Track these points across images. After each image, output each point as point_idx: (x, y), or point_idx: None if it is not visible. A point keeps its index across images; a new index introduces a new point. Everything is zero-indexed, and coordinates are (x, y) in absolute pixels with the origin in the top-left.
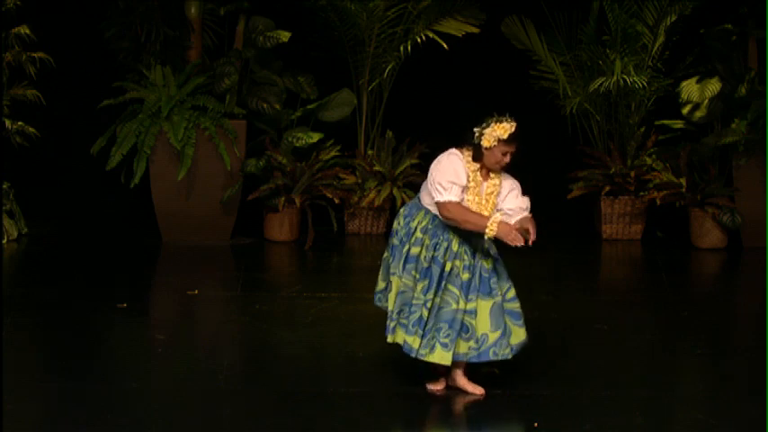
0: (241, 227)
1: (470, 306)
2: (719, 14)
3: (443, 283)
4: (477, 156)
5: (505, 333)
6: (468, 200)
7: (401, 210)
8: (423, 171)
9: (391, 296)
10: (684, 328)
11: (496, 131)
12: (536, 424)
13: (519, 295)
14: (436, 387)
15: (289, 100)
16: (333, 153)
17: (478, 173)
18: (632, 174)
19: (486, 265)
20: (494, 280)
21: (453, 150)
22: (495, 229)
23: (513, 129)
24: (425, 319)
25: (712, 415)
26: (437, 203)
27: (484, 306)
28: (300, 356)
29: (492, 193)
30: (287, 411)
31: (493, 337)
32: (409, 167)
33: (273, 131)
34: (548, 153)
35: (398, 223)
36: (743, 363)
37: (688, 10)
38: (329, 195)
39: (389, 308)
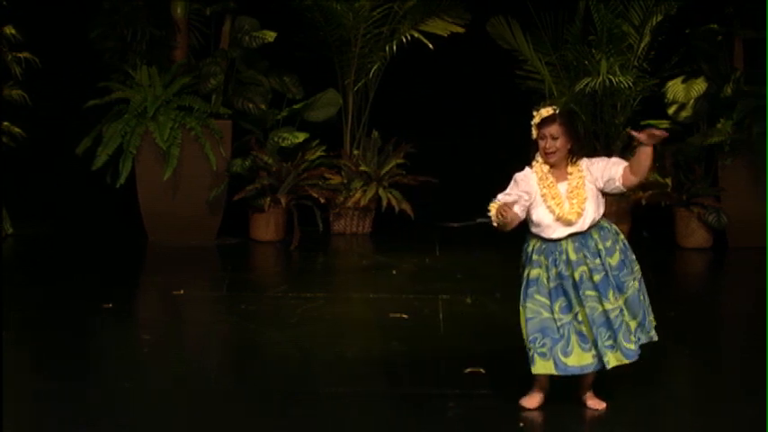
0: (227, 227)
1: (619, 303)
2: (705, 14)
3: (580, 291)
4: (535, 152)
5: (644, 318)
6: (549, 206)
7: (524, 245)
8: (408, 171)
9: (522, 326)
10: (671, 328)
11: (534, 119)
12: (522, 424)
13: (504, 296)
14: (532, 403)
15: (274, 100)
16: (318, 153)
17: (550, 174)
18: None
19: (612, 261)
20: (623, 273)
21: (526, 167)
22: (493, 212)
23: (546, 112)
24: (586, 332)
25: (699, 414)
26: None
27: (624, 302)
28: (287, 356)
29: (578, 186)
30: (274, 411)
31: (632, 325)
32: (395, 168)
33: (259, 131)
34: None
35: (522, 257)
36: (730, 362)
37: (674, 10)
38: (315, 195)
39: (524, 337)
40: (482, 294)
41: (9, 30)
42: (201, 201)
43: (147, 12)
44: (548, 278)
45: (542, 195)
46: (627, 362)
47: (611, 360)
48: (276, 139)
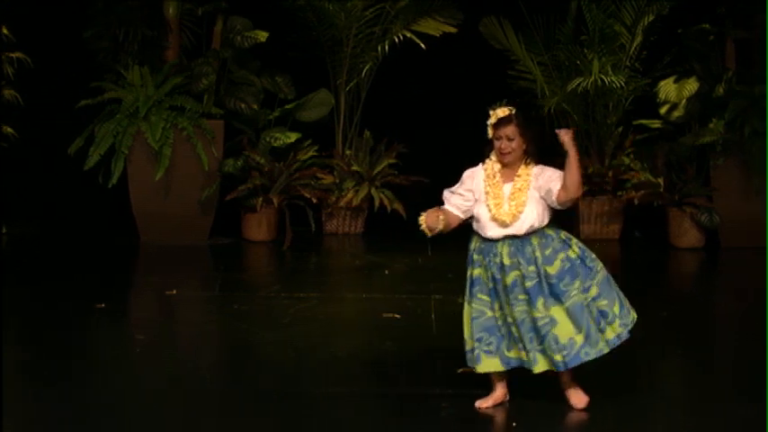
0: (219, 227)
1: (548, 313)
2: (697, 14)
3: (511, 296)
4: (489, 151)
5: (591, 333)
6: (488, 205)
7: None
8: (400, 171)
9: (465, 324)
10: (663, 328)
11: (490, 119)
12: (514, 424)
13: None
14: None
15: (266, 100)
16: (310, 153)
17: (499, 174)
18: (610, 173)
19: (551, 270)
20: (564, 282)
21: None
22: (422, 220)
23: (502, 113)
24: (518, 334)
25: (692, 414)
26: None
27: (560, 311)
28: (280, 356)
29: (521, 189)
30: (266, 411)
31: (580, 338)
32: (387, 167)
33: (251, 131)
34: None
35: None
36: (723, 362)
37: (665, 10)
38: (307, 195)
39: (465, 335)
40: None
41: (1, 30)
42: (194, 201)
43: (140, 12)
44: (487, 277)
45: (486, 193)
46: (556, 370)
47: (541, 364)
48: (268, 139)
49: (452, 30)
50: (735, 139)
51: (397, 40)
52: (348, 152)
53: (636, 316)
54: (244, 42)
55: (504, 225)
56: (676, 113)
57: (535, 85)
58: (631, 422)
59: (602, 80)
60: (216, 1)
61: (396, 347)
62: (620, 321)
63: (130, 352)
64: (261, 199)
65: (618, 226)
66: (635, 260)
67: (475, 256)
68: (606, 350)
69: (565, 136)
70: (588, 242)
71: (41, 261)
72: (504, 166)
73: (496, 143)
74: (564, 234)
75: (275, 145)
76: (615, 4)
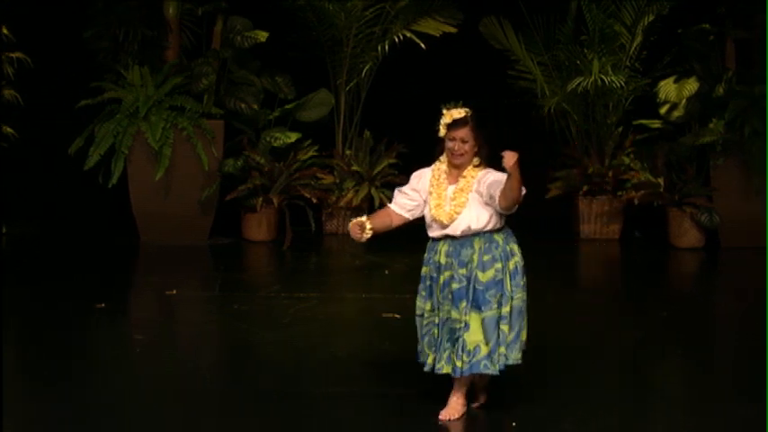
0: (219, 227)
1: (465, 318)
2: (697, 14)
3: (440, 296)
4: (441, 151)
5: (496, 349)
6: (430, 205)
7: None
8: (400, 171)
9: (415, 319)
10: (663, 328)
11: (444, 118)
12: (514, 423)
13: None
14: (450, 415)
15: (266, 100)
16: (311, 153)
17: (445, 174)
18: (610, 173)
19: (482, 277)
20: (490, 293)
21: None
22: (350, 230)
23: (457, 114)
24: (436, 335)
25: (692, 414)
26: None
27: (476, 318)
28: (279, 356)
29: (462, 190)
30: (266, 411)
31: (485, 349)
32: (387, 167)
33: (251, 131)
34: (525, 153)
35: None
36: (723, 362)
37: (665, 10)
38: (307, 195)
39: (418, 333)
40: None
41: (1, 30)
42: (194, 201)
43: (140, 12)
44: (429, 277)
45: (429, 193)
46: (454, 375)
47: (444, 367)
48: (268, 139)
49: (452, 30)
50: (735, 139)
51: (397, 40)
52: (348, 152)
53: (520, 359)
54: (244, 42)
55: (443, 225)
56: (676, 113)
57: (535, 85)
58: (631, 422)
59: (603, 80)
60: (216, 1)
61: (395, 347)
62: (516, 347)
63: (130, 352)
64: (261, 199)
65: (618, 226)
66: (635, 260)
67: (425, 255)
68: (493, 373)
69: (510, 160)
70: (588, 242)
71: (41, 261)
72: (454, 167)
73: (449, 144)
74: (512, 246)
75: (275, 145)
76: (615, 4)
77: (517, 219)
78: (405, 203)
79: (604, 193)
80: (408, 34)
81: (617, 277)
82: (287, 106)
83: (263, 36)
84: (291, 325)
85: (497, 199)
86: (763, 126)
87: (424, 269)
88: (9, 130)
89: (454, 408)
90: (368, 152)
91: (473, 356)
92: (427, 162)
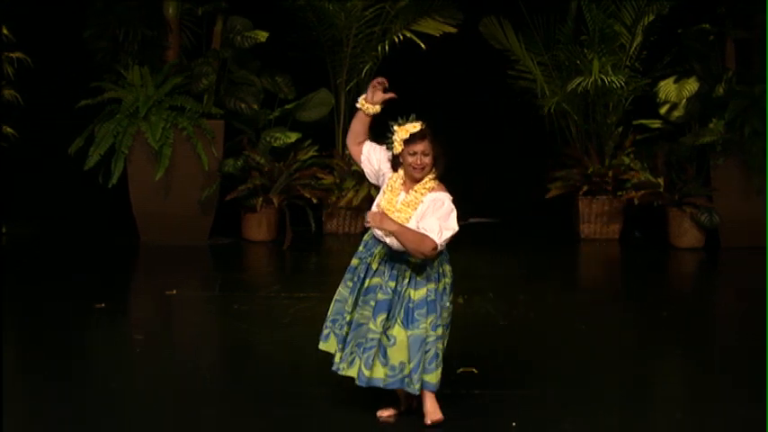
0: (219, 227)
1: (389, 332)
2: (697, 14)
3: (361, 299)
4: (397, 166)
5: (418, 368)
6: (381, 203)
7: None
8: None
9: (332, 302)
10: (663, 328)
11: (399, 134)
12: (514, 423)
13: (497, 295)
14: (386, 413)
15: (266, 100)
16: (311, 153)
17: (401, 180)
18: (610, 173)
19: (414, 295)
20: (420, 312)
21: None
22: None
23: (414, 128)
24: (346, 334)
25: (691, 414)
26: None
27: (402, 334)
28: (278, 356)
29: (410, 204)
30: (265, 411)
31: (409, 367)
32: None
33: (251, 131)
34: (525, 153)
35: None
36: (722, 362)
37: (665, 10)
38: (307, 195)
39: (328, 314)
40: (474, 294)
41: (1, 30)
42: (194, 201)
43: (140, 12)
44: (356, 272)
45: (383, 192)
46: (357, 383)
47: (345, 368)
48: (268, 139)
49: (452, 30)
50: (735, 139)
51: (397, 39)
52: (348, 152)
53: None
54: (244, 42)
55: (381, 231)
56: (676, 113)
57: (535, 85)
58: (632, 422)
59: (603, 80)
60: (216, 1)
61: None
62: (439, 371)
63: (130, 352)
64: (261, 199)
65: (618, 226)
66: (635, 260)
67: (360, 247)
68: (418, 393)
69: (374, 223)
70: (588, 242)
71: (41, 261)
72: (412, 180)
73: (410, 158)
74: (445, 267)
75: (275, 145)
76: (615, 4)
77: (517, 219)
78: (376, 148)
79: (604, 193)
80: (408, 34)
81: (617, 277)
82: (287, 106)
83: (263, 36)
84: (291, 325)
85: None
86: (763, 126)
87: (354, 261)
88: (9, 129)
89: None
90: None
91: (398, 373)
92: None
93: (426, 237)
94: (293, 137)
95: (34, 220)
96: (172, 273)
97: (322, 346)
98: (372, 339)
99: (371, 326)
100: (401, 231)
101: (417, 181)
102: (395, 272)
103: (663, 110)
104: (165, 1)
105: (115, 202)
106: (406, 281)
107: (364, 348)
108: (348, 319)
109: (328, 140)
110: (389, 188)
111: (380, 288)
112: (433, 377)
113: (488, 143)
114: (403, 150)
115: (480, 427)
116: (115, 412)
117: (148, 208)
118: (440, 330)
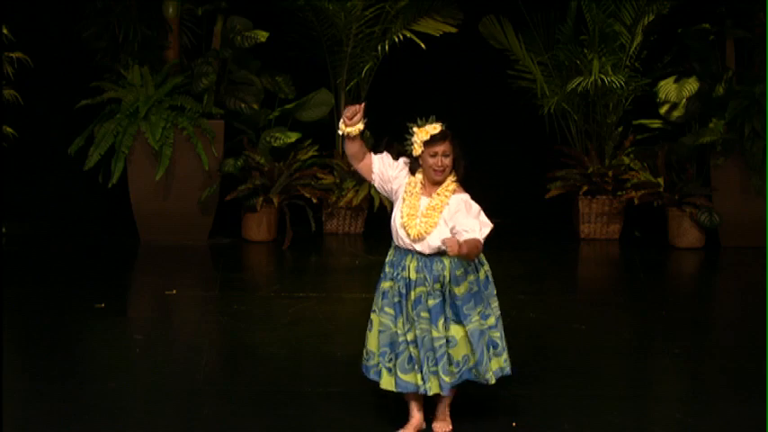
0: (219, 227)
1: (448, 334)
2: (697, 14)
3: (414, 311)
4: (415, 169)
5: (483, 359)
6: (402, 211)
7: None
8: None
9: (372, 336)
10: (663, 328)
11: (419, 136)
12: (514, 424)
13: (497, 295)
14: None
15: (266, 100)
16: (311, 153)
17: (420, 185)
18: (610, 173)
19: (458, 291)
20: (468, 306)
21: None
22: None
23: (434, 129)
24: (416, 354)
25: (690, 415)
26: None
27: (461, 332)
28: (279, 356)
29: (435, 209)
30: (265, 411)
31: (473, 359)
32: None
33: (251, 131)
34: (525, 153)
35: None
36: (722, 362)
37: (666, 9)
38: (307, 195)
39: (371, 348)
40: None
41: (1, 29)
42: (194, 201)
43: (139, 12)
44: (394, 292)
45: (403, 198)
46: (443, 394)
47: (433, 386)
48: (268, 139)
49: (452, 29)
50: (735, 138)
51: (397, 39)
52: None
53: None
54: (244, 42)
55: (410, 238)
56: (676, 113)
57: (535, 85)
58: (631, 421)
59: (602, 80)
60: (216, 1)
61: None
62: (505, 356)
63: (130, 352)
64: (261, 199)
65: (618, 226)
66: (635, 260)
67: (387, 269)
68: (493, 381)
69: (452, 250)
70: (588, 242)
71: (41, 261)
72: (433, 183)
73: (430, 160)
74: (480, 256)
75: (275, 145)
76: (615, 3)
77: (517, 218)
78: (385, 162)
79: (604, 192)
80: (408, 34)
81: (617, 277)
82: (287, 106)
83: (263, 36)
84: (291, 325)
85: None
86: (764, 126)
87: (386, 284)
88: (9, 129)
89: (415, 426)
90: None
91: (462, 366)
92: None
93: (477, 240)
94: (293, 137)
95: (34, 219)
96: (172, 272)
97: (382, 385)
98: (441, 346)
99: (434, 333)
100: (476, 245)
101: (438, 184)
102: (435, 273)
103: (663, 110)
104: (165, 1)
105: (115, 202)
106: (447, 279)
107: (437, 358)
108: (411, 338)
109: (328, 140)
110: (408, 194)
111: (428, 294)
112: (496, 364)
113: (488, 143)
114: (423, 152)
115: (479, 427)
116: (114, 412)
117: (148, 208)
118: (491, 320)
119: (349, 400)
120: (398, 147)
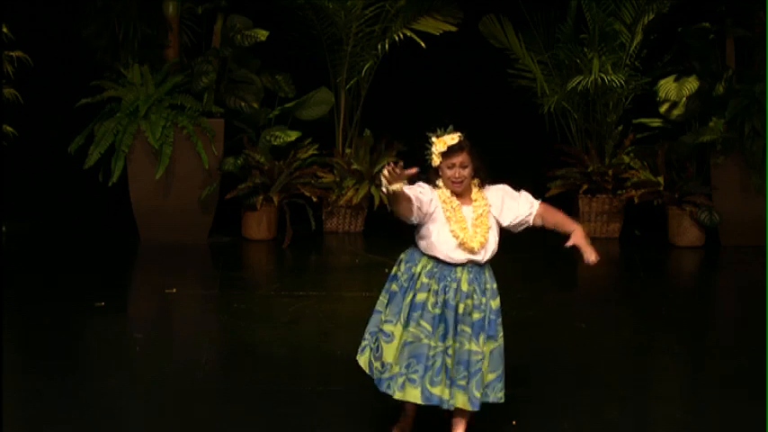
0: (219, 225)
1: (485, 349)
2: (697, 13)
3: (459, 325)
4: (435, 179)
5: (501, 377)
6: (453, 230)
7: (402, 256)
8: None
9: (391, 347)
10: (662, 326)
11: (437, 147)
12: (514, 422)
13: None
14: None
15: (266, 98)
16: (311, 151)
17: (454, 198)
18: (610, 172)
19: (493, 305)
20: (498, 321)
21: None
22: (385, 172)
23: (452, 140)
24: (450, 366)
25: (689, 413)
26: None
27: (492, 348)
28: (278, 355)
29: (482, 214)
30: (265, 409)
31: (489, 377)
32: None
33: (251, 130)
34: (525, 151)
35: (399, 269)
36: (721, 361)
37: (666, 8)
38: (307, 194)
39: (388, 360)
40: None
41: (1, 28)
42: (194, 199)
43: (139, 10)
44: (433, 303)
45: (447, 218)
46: (470, 409)
47: (459, 400)
48: (268, 138)
49: (452, 28)
50: (735, 137)
51: (397, 38)
52: (348, 150)
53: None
54: (244, 41)
55: (470, 251)
56: (676, 112)
57: (535, 84)
58: (631, 420)
59: (603, 79)
60: None
61: None
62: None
63: (130, 350)
64: (261, 197)
65: (618, 225)
66: (635, 259)
67: (424, 279)
68: (502, 400)
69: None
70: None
71: (41, 259)
72: (455, 193)
73: (448, 172)
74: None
75: (275, 143)
76: (615, 2)
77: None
78: (419, 196)
79: (604, 191)
80: (408, 33)
81: (617, 276)
82: (287, 105)
83: (263, 34)
84: (291, 323)
85: (532, 220)
86: (763, 125)
87: (420, 296)
88: (9, 128)
89: (408, 422)
90: (368, 151)
91: (491, 390)
92: (426, 159)
93: (558, 212)
94: (293, 135)
95: (34, 218)
96: (172, 271)
97: (399, 396)
98: (478, 361)
99: (474, 347)
100: (566, 219)
101: (462, 195)
102: (482, 287)
103: (663, 108)
104: None
105: (115, 201)
106: (489, 293)
107: (471, 373)
108: (451, 351)
109: (328, 139)
110: (449, 211)
111: (475, 308)
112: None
113: (488, 141)
114: (441, 163)
115: (480, 426)
116: (114, 410)
117: (148, 206)
118: (503, 339)
119: (349, 399)
120: (398, 145)
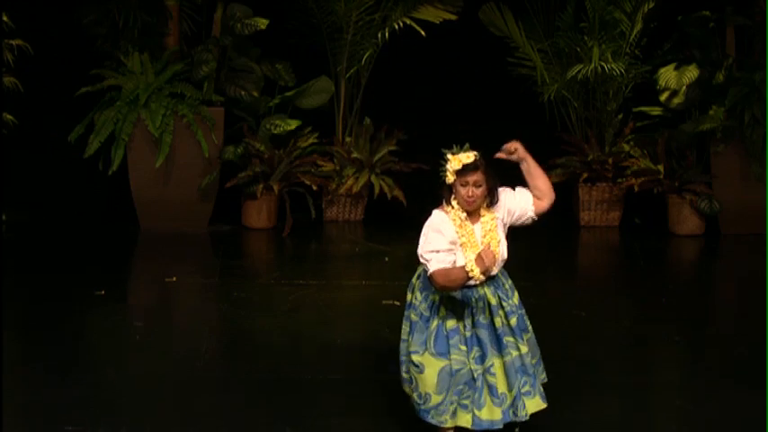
0: (219, 214)
1: (527, 346)
2: (697, 1)
3: (503, 338)
4: (449, 197)
5: (540, 359)
6: (468, 256)
7: (415, 282)
8: (400, 158)
9: (424, 377)
10: (662, 315)
11: (452, 164)
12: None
13: None
14: None
15: (267, 87)
16: (311, 140)
17: (468, 221)
18: (610, 161)
19: (516, 300)
20: (524, 311)
21: (435, 211)
22: (476, 267)
23: (467, 158)
24: (497, 385)
25: (690, 401)
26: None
27: (527, 340)
28: (278, 343)
29: (491, 229)
30: (265, 398)
31: (510, 396)
32: (387, 154)
33: (251, 119)
34: (525, 140)
35: (415, 297)
36: (721, 349)
37: None
38: (307, 182)
39: (425, 390)
40: None
41: (1, 17)
42: (194, 188)
43: None
44: (464, 326)
45: (462, 245)
46: (544, 405)
47: (530, 407)
48: (268, 127)
49: (452, 17)
50: (735, 125)
51: (397, 26)
52: (348, 139)
53: None
54: (244, 29)
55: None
56: (676, 100)
57: (535, 73)
58: (631, 408)
59: (603, 67)
60: None
61: (395, 334)
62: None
63: (130, 339)
64: (261, 186)
65: (618, 213)
66: (635, 247)
67: (448, 305)
68: (545, 380)
69: (514, 147)
70: (588, 229)
71: (41, 248)
72: (467, 212)
73: (462, 190)
74: None
75: (275, 132)
76: None
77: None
78: (450, 259)
79: (604, 180)
80: (408, 21)
81: (617, 264)
82: (287, 93)
83: (263, 23)
84: (291, 312)
85: (533, 209)
86: (763, 113)
87: (449, 323)
88: (9, 116)
89: None
90: (368, 139)
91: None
92: (426, 147)
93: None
94: (293, 124)
95: (34, 207)
96: (172, 260)
97: (451, 423)
98: (530, 360)
99: (523, 349)
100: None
101: (473, 213)
102: (503, 289)
103: (663, 97)
104: None
105: (115, 190)
106: (509, 291)
107: (531, 375)
108: (494, 370)
109: (328, 128)
110: (464, 237)
111: (509, 314)
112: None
113: (487, 130)
114: (455, 181)
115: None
116: (115, 398)
117: (148, 195)
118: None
119: (349, 388)
120: (399, 134)
